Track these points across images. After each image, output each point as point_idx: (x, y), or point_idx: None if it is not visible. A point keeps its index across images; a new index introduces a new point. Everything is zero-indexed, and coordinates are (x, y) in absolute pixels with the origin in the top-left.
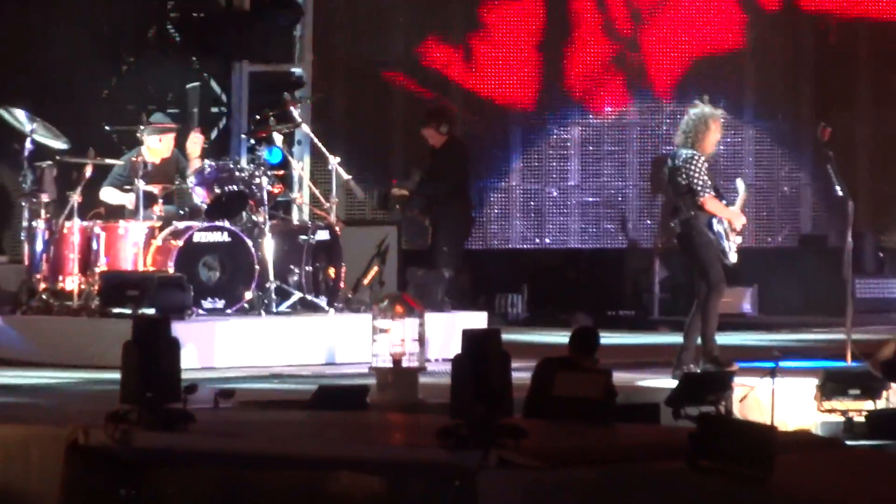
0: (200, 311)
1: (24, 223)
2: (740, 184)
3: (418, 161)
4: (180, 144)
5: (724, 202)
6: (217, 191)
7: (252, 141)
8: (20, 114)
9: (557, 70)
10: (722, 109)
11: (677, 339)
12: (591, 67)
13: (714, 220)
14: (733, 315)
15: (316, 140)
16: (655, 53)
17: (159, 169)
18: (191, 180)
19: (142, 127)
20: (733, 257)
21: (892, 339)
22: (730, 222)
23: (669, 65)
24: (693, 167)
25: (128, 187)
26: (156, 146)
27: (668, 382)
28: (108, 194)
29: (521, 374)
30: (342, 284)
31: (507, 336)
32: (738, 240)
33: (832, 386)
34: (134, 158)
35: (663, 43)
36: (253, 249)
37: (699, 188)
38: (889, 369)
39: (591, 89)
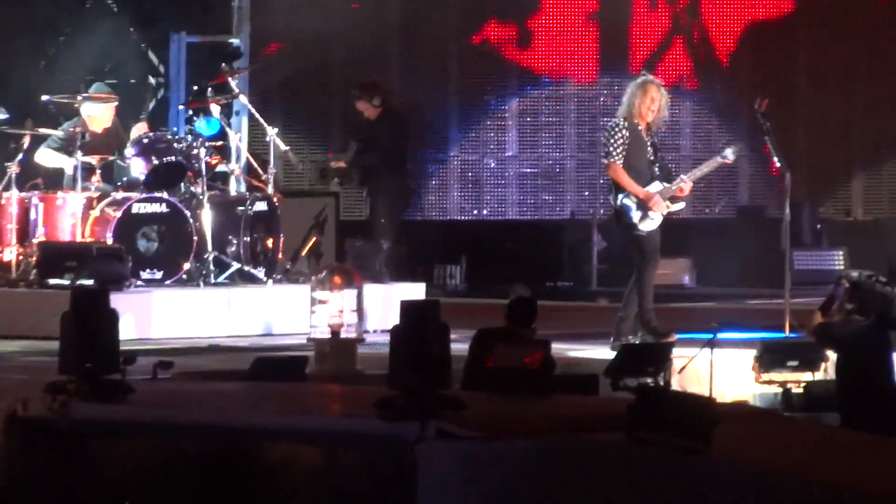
0: (139, 282)
1: None
2: (728, 154)
3: (356, 132)
4: (123, 120)
5: (657, 178)
6: (155, 162)
7: (190, 112)
8: None
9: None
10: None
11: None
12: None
13: (620, 193)
14: (671, 286)
15: (254, 111)
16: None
17: (99, 139)
18: (129, 151)
19: (80, 97)
20: (645, 226)
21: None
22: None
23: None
24: (607, 133)
25: (65, 156)
26: (95, 114)
27: (607, 353)
28: (45, 156)
29: (460, 345)
30: (280, 255)
31: (445, 307)
32: (665, 208)
33: (770, 357)
34: (73, 129)
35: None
36: (191, 220)
37: (604, 153)
38: (820, 335)
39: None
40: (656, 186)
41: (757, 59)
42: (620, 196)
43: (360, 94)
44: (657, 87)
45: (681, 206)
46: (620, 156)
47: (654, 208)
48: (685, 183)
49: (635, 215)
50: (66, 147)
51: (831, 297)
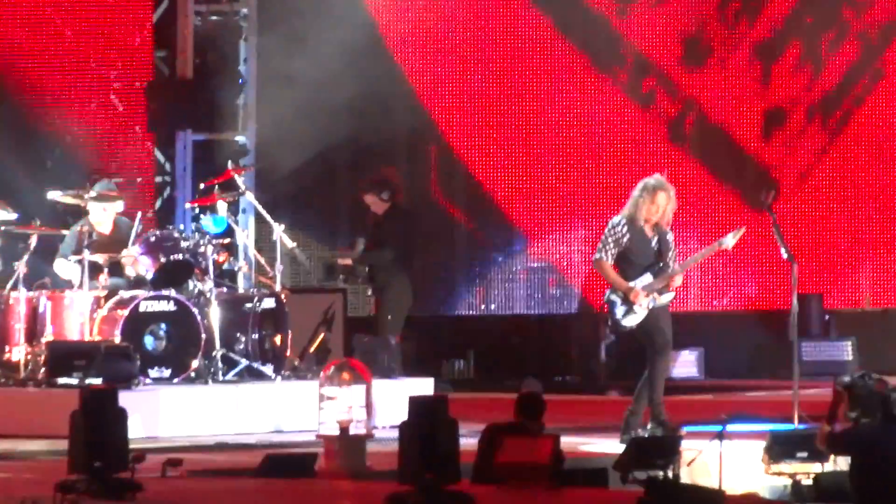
0: (147, 381)
1: None
2: (728, 240)
3: (363, 229)
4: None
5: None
6: (162, 259)
7: (196, 209)
8: None
9: None
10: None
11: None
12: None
13: (608, 289)
14: (679, 378)
15: (260, 208)
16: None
17: (109, 238)
18: (136, 249)
19: (86, 196)
20: (629, 321)
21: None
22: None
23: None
24: (607, 230)
25: (74, 258)
26: (99, 216)
27: (616, 447)
28: (62, 267)
29: (469, 439)
30: (288, 352)
31: (453, 401)
32: (651, 302)
33: (779, 449)
34: (79, 228)
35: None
36: (199, 318)
37: (598, 249)
38: (831, 445)
39: None
40: (645, 279)
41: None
42: (608, 292)
43: (370, 188)
44: (667, 195)
45: (669, 297)
46: (609, 254)
47: (636, 301)
48: (677, 273)
49: (619, 310)
50: (77, 248)
51: (833, 406)
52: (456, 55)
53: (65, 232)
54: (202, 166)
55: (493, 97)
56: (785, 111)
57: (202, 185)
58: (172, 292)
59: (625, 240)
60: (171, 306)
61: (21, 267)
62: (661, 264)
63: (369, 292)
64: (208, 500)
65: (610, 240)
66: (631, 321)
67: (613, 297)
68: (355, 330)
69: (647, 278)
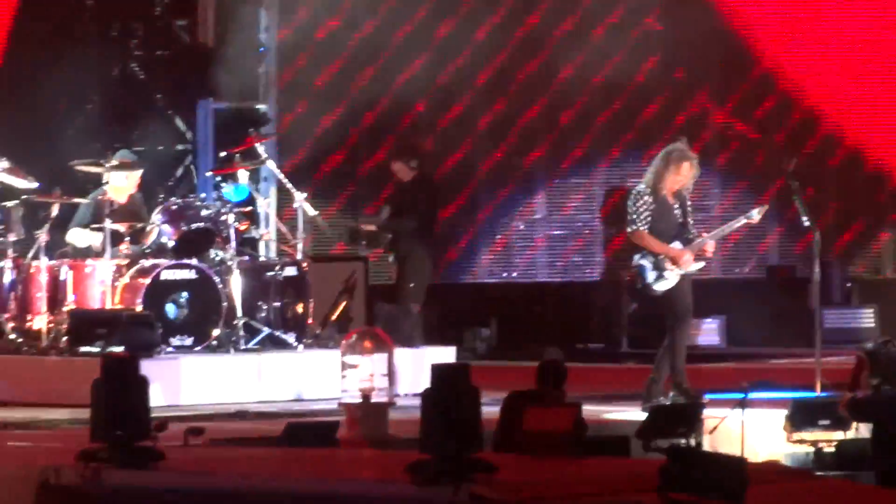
0: (168, 349)
1: None
2: (754, 214)
3: (388, 196)
4: (151, 186)
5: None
6: (184, 228)
7: (218, 178)
8: None
9: None
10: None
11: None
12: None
13: (637, 254)
14: (701, 347)
15: (282, 176)
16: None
17: (126, 207)
18: (157, 218)
19: (106, 165)
20: (660, 286)
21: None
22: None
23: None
24: (632, 201)
25: (94, 226)
26: (121, 184)
27: (638, 415)
28: (75, 236)
29: (491, 408)
30: (310, 320)
31: (475, 369)
32: (693, 266)
33: (801, 416)
34: (100, 197)
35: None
36: (220, 286)
37: (629, 221)
38: (853, 411)
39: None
40: (676, 246)
41: (786, 117)
42: (636, 257)
43: (398, 156)
44: (691, 163)
45: (701, 265)
46: (645, 223)
47: (684, 266)
48: (707, 244)
49: (650, 275)
50: (94, 218)
51: (856, 372)
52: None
53: (83, 200)
54: (223, 135)
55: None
56: None
57: (223, 154)
58: (194, 261)
59: (652, 208)
60: (192, 275)
61: (42, 236)
62: (690, 234)
63: (391, 259)
64: (230, 468)
65: (641, 208)
66: (662, 286)
67: (643, 261)
68: (377, 298)
69: (677, 245)
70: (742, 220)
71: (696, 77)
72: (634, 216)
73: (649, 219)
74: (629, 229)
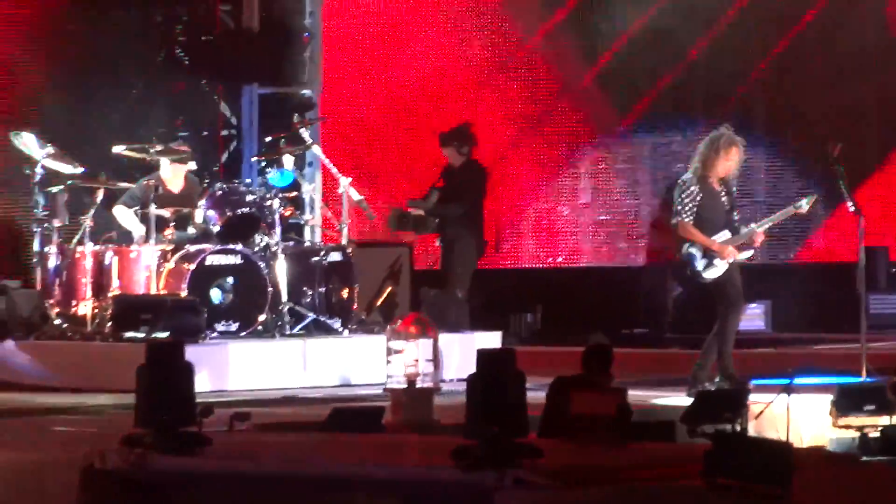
0: (214, 335)
1: (37, 248)
2: (803, 204)
3: (437, 180)
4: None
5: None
6: (228, 213)
7: (263, 163)
8: (31, 139)
9: None
10: (741, 138)
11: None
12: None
13: (686, 243)
14: (746, 332)
15: (327, 161)
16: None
17: (176, 196)
18: (202, 203)
19: (152, 151)
20: (710, 274)
21: None
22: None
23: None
24: (678, 192)
25: (140, 210)
26: (170, 173)
27: (684, 400)
28: (120, 213)
29: (536, 393)
30: (355, 306)
31: (521, 354)
32: (741, 256)
33: (847, 402)
34: (146, 182)
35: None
36: (265, 272)
37: (674, 213)
38: None
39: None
40: (724, 236)
41: (829, 103)
42: (686, 245)
43: (449, 141)
44: (739, 148)
45: (749, 254)
46: (690, 214)
47: (729, 258)
48: (756, 233)
49: (700, 263)
50: (141, 202)
51: None
52: None
53: (128, 186)
54: (268, 120)
55: None
56: None
57: (268, 139)
58: (239, 246)
59: (698, 198)
60: (237, 260)
61: (87, 221)
62: (738, 223)
63: (437, 242)
64: (275, 453)
65: (686, 199)
66: (712, 274)
67: (692, 249)
68: (422, 283)
69: (725, 234)
70: (791, 210)
71: None
72: (679, 207)
73: (695, 210)
74: (674, 220)
